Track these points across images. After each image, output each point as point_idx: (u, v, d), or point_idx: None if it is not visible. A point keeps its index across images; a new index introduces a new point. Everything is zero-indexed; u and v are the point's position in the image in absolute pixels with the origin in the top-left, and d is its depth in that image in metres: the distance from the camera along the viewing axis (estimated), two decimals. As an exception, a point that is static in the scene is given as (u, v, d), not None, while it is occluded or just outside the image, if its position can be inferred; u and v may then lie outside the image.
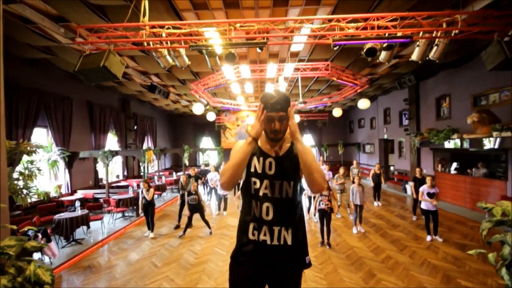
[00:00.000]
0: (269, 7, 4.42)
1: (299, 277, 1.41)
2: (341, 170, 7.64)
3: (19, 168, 3.79)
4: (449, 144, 7.60)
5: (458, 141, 7.23)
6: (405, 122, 11.22)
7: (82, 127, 9.21)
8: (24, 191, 2.99)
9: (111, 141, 11.20)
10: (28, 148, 3.28)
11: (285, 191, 1.35)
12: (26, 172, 3.16)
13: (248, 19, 3.75)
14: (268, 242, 1.32)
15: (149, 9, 3.73)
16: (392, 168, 13.14)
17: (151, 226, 6.13)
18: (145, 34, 3.51)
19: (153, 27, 3.49)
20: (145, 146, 13.56)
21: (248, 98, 12.66)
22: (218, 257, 4.87)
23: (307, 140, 18.35)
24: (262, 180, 1.37)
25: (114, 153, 8.31)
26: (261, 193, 1.36)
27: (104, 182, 9.49)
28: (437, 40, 3.64)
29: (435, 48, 3.75)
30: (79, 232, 5.95)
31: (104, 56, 3.35)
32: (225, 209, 8.00)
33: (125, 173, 12.14)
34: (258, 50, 3.68)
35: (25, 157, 4.73)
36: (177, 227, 6.74)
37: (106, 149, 9.02)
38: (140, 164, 9.57)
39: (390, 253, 4.86)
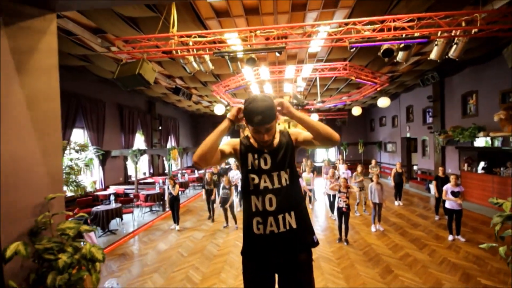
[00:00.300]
0: (287, 12, 4.62)
1: (309, 256, 1.44)
2: (359, 168, 7.67)
3: (68, 163, 4.30)
4: (478, 142, 7.30)
5: (489, 140, 6.94)
6: (429, 120, 10.89)
7: (113, 128, 9.93)
8: (75, 183, 3.46)
9: (139, 141, 11.91)
10: (76, 147, 3.76)
11: (284, 179, 1.40)
12: (75, 167, 3.64)
13: (267, 26, 3.98)
14: (276, 231, 1.34)
15: (177, 20, 4.10)
16: (415, 167, 12.78)
17: (176, 220, 6.57)
18: (174, 43, 3.86)
19: (181, 36, 3.84)
20: (169, 146, 14.25)
21: (267, 98, 12.88)
22: (238, 249, 5.09)
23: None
24: (260, 175, 1.41)
25: (142, 152, 8.90)
26: (262, 187, 1.39)
27: (133, 178, 10.19)
28: (456, 38, 3.65)
29: (454, 46, 3.76)
30: (113, 224, 6.52)
31: (139, 64, 3.73)
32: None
33: (151, 171, 12.86)
34: (277, 54, 3.90)
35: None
36: (210, 218, 7.22)
37: (134, 148, 9.68)
38: (165, 162, 10.13)
39: (409, 251, 4.89)
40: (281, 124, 17.09)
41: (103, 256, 2.29)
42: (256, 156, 1.43)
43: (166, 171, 14.18)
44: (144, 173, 12.48)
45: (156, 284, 3.99)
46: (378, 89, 8.54)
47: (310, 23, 4.08)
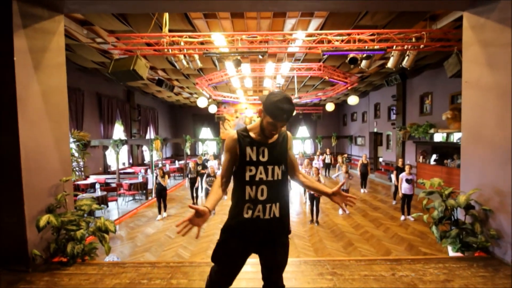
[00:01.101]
0: (269, 17, 5.10)
1: (287, 239, 1.60)
2: (339, 158, 8.54)
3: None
4: (436, 138, 8.28)
5: (444, 135, 8.00)
6: (393, 116, 12.07)
7: (92, 117, 9.84)
8: (77, 169, 3.75)
9: (118, 131, 11.84)
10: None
11: (276, 174, 1.51)
12: (76, 154, 3.91)
13: (251, 32, 4.46)
14: (261, 217, 1.47)
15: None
16: (380, 159, 14.08)
17: (164, 207, 6.87)
18: (166, 42, 4.20)
19: (172, 36, 4.18)
20: (148, 136, 14.24)
21: (247, 92, 13.34)
22: (222, 231, 5.72)
23: (303, 132, 19.20)
24: (257, 166, 1.49)
25: (124, 142, 9.01)
26: (257, 178, 1.48)
27: (113, 168, 10.24)
28: (408, 51, 4.41)
29: (406, 58, 4.52)
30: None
31: (133, 61, 4.04)
32: (225, 193, 8.85)
33: (130, 161, 12.86)
34: (260, 56, 4.40)
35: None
36: (194, 205, 7.64)
37: (114, 138, 9.71)
38: (148, 152, 10.29)
39: (368, 229, 5.76)
40: (259, 118, 17.69)
41: (115, 227, 2.72)
42: (255, 148, 1.50)
43: (146, 161, 14.23)
44: (124, 163, 12.46)
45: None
46: (349, 88, 9.39)
47: (289, 31, 4.61)
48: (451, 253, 2.86)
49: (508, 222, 2.51)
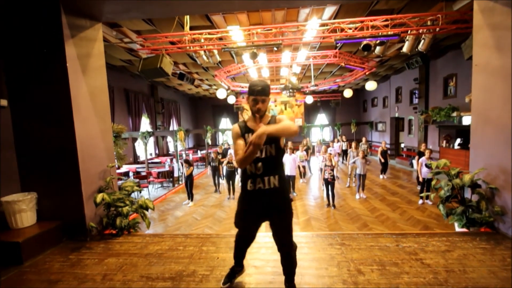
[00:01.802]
0: (283, 9, 5.27)
1: (290, 207, 1.83)
2: (353, 144, 8.66)
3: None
4: (465, 121, 7.99)
5: (467, 118, 7.71)
6: (415, 100, 11.72)
7: (121, 111, 10.62)
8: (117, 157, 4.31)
9: (144, 123, 12.64)
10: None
11: (269, 152, 1.76)
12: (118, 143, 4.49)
13: (266, 26, 4.67)
14: (262, 188, 1.75)
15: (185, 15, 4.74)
16: (402, 145, 13.79)
17: (190, 196, 7.43)
18: (188, 39, 4.56)
19: (193, 34, 4.52)
20: (171, 128, 15.00)
21: (265, 81, 13.52)
22: (244, 214, 6.19)
23: (321, 120, 19.11)
24: None
25: (151, 134, 9.69)
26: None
27: (142, 158, 11.05)
28: (423, 35, 4.40)
29: (422, 41, 4.51)
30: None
31: (159, 59, 4.45)
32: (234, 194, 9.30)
33: (156, 151, 13.72)
34: (275, 48, 4.62)
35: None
36: (216, 191, 8.19)
37: (141, 130, 10.45)
38: (173, 143, 10.94)
39: (384, 212, 5.93)
40: (277, 106, 17.83)
41: (153, 205, 3.21)
42: (250, 134, 1.75)
43: (171, 151, 15.08)
44: (150, 154, 13.33)
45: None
46: (367, 73, 9.28)
47: (302, 22, 4.76)
48: (458, 229, 3.03)
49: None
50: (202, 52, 4.85)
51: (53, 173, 2.95)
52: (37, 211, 2.95)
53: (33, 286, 2.20)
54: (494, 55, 2.77)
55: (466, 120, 7.93)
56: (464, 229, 2.92)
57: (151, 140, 13.31)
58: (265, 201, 1.78)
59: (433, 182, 3.21)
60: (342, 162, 12.96)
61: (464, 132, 9.13)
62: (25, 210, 2.81)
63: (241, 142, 1.80)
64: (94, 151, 3.17)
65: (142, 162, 10.94)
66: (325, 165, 6.30)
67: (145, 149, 9.81)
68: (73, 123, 2.86)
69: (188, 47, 4.65)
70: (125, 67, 9.40)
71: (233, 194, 7.57)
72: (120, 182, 6.23)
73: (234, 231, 2.00)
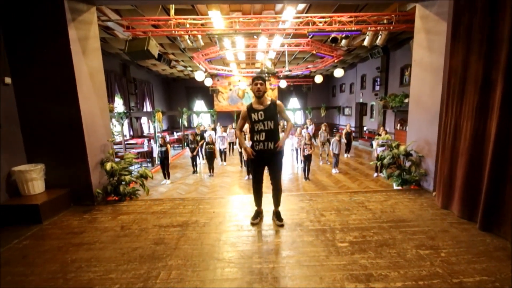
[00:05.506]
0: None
1: (281, 159, 2.76)
2: (323, 127, 9.58)
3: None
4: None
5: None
6: (377, 87, 12.97)
7: (94, 91, 10.35)
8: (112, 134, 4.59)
9: (118, 104, 12.39)
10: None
11: (269, 125, 2.59)
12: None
13: (247, 15, 5.11)
14: (264, 148, 2.64)
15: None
16: (365, 128, 15.24)
17: (167, 175, 7.82)
18: (173, 24, 4.84)
19: (179, 19, 4.81)
20: (144, 109, 14.79)
21: (240, 65, 13.83)
22: (224, 189, 6.83)
23: (294, 104, 20.03)
24: (258, 122, 2.59)
25: (127, 114, 9.70)
26: (259, 129, 2.60)
27: (118, 139, 10.98)
28: (380, 32, 5.19)
29: (379, 37, 5.31)
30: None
31: (146, 42, 4.71)
32: (224, 160, 9.89)
33: (131, 133, 13.58)
34: (255, 36, 5.10)
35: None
36: (195, 172, 8.62)
37: (116, 111, 10.35)
38: (147, 124, 11.00)
39: (345, 183, 6.97)
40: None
41: (152, 174, 3.69)
42: (256, 113, 2.61)
43: (145, 133, 14.96)
44: (125, 135, 13.19)
45: (167, 209, 5.49)
46: (336, 61, 10.11)
47: (279, 15, 5.27)
48: (395, 187, 3.98)
49: (432, 163, 3.59)
50: (186, 37, 5.16)
51: (60, 146, 3.27)
52: (44, 180, 3.29)
53: (60, 237, 2.64)
54: (426, 54, 3.60)
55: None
56: (400, 187, 3.86)
57: (125, 122, 13.13)
58: (265, 156, 2.68)
59: (380, 153, 4.10)
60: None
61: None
62: (36, 178, 3.14)
63: (242, 121, 2.78)
64: (95, 127, 3.51)
65: (119, 143, 10.91)
66: (305, 144, 7.11)
67: (121, 129, 9.83)
68: (77, 101, 3.18)
69: (173, 32, 4.94)
70: (98, 45, 9.12)
71: (213, 172, 8.13)
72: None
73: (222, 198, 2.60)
